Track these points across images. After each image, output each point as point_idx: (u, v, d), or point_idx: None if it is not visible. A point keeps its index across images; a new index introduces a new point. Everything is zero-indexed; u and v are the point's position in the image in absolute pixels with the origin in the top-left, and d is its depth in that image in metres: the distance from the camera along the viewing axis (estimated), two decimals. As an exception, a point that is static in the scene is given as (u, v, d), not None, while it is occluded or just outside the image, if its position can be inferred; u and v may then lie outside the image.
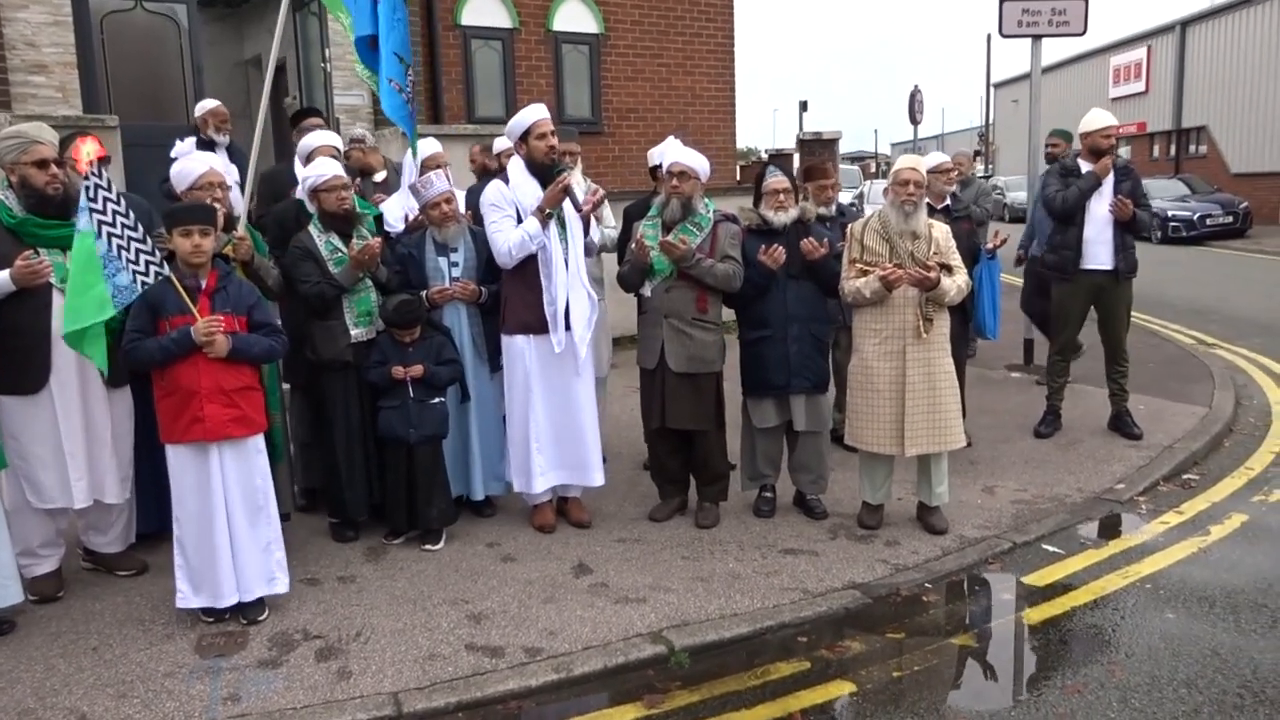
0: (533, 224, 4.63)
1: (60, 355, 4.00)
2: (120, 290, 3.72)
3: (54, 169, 3.99)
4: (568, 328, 4.72)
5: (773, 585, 4.33)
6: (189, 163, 4.50)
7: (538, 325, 4.73)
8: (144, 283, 3.77)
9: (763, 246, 4.74)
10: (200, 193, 4.44)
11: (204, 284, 3.92)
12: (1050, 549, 4.79)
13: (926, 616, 4.15)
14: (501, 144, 5.86)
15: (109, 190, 3.74)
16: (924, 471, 4.92)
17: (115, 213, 3.72)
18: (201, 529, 3.92)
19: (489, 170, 6.02)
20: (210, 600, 3.95)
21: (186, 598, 3.97)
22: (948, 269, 4.71)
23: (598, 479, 4.98)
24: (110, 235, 3.70)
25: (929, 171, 5.79)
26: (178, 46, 9.18)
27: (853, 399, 4.91)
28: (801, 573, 4.46)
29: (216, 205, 4.24)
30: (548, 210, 4.62)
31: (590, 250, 4.99)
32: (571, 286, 4.72)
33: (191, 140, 4.70)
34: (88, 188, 3.70)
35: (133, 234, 3.76)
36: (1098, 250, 6.18)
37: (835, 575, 4.44)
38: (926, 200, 5.32)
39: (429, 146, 5.62)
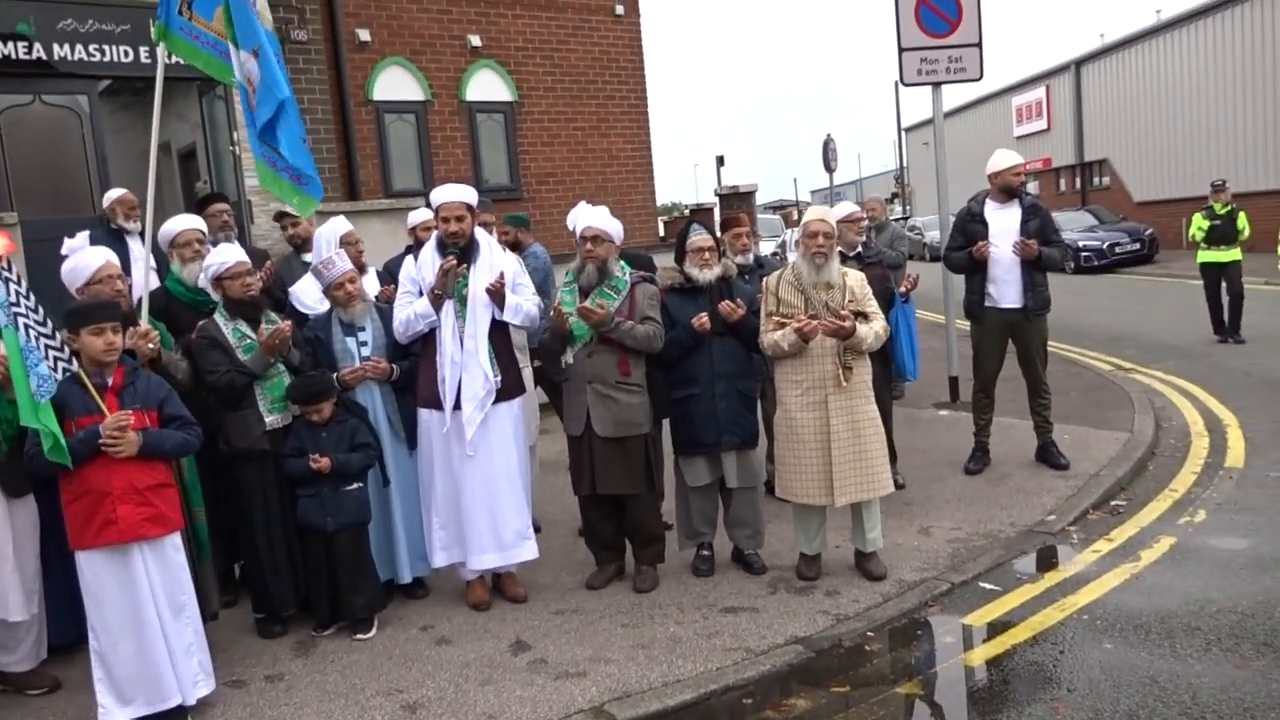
0: (422, 304, 4.66)
1: (-46, 469, 3.81)
2: (44, 380, 3.60)
3: None
4: (457, 406, 4.66)
5: (715, 646, 4.26)
6: (83, 257, 4.37)
7: (436, 400, 4.70)
8: (65, 370, 3.66)
9: (696, 318, 4.76)
10: (100, 287, 4.32)
11: (110, 381, 3.79)
12: (988, 586, 4.81)
13: (871, 666, 4.12)
14: (415, 218, 5.84)
15: (19, 285, 3.66)
16: (857, 519, 4.93)
17: (27, 307, 3.66)
18: (132, 634, 3.74)
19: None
20: (146, 707, 3.76)
21: (109, 713, 3.76)
22: (864, 316, 4.76)
23: (488, 562, 4.78)
24: (26, 327, 3.61)
25: (839, 221, 5.89)
26: (80, 137, 8.99)
27: (779, 451, 4.91)
28: (743, 631, 4.40)
29: (119, 299, 4.12)
30: (436, 292, 4.62)
31: (511, 321, 4.87)
32: (466, 366, 4.66)
33: (84, 235, 4.57)
34: (1, 281, 3.59)
35: (42, 329, 3.66)
36: (1006, 290, 6.34)
37: (777, 631, 4.39)
38: (839, 249, 5.41)
39: (340, 225, 5.54)
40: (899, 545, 5.27)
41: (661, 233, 14.92)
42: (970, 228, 6.42)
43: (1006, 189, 6.36)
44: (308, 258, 5.96)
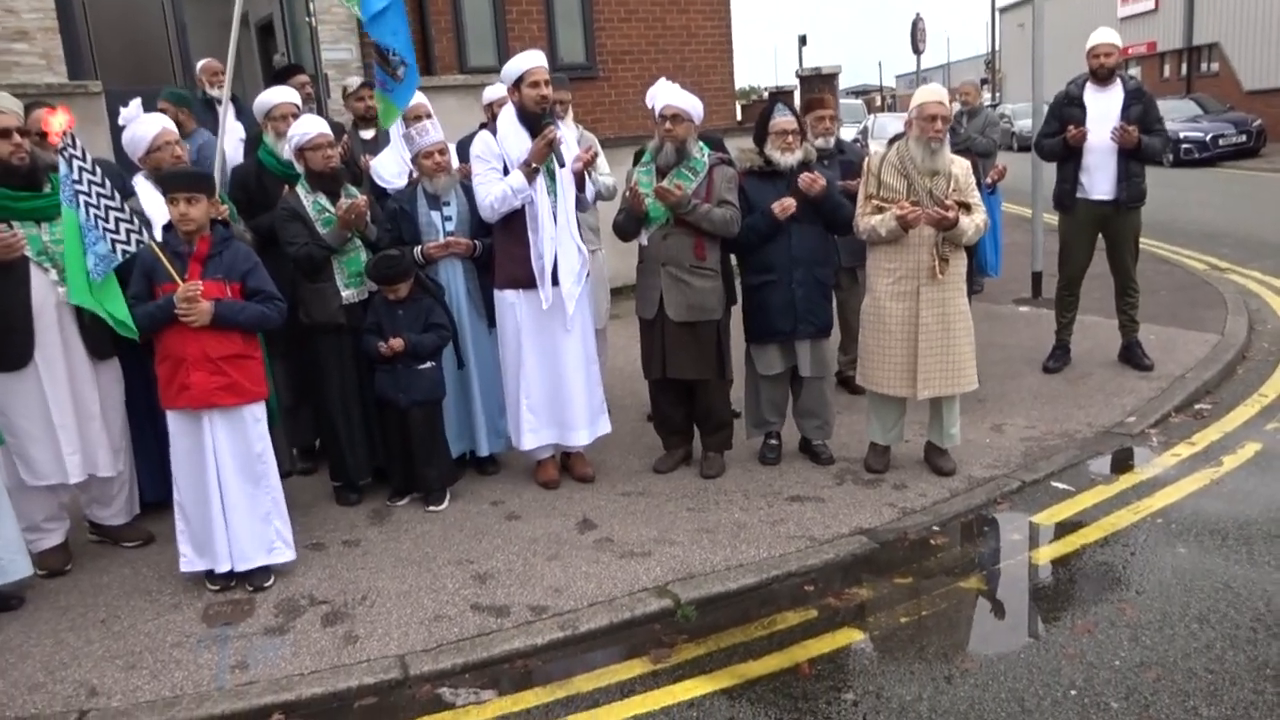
0: (517, 178, 4.52)
1: (43, 329, 3.95)
2: (101, 259, 3.69)
3: (17, 138, 3.88)
4: (555, 283, 4.64)
5: (779, 534, 4.29)
6: (139, 126, 4.42)
7: (526, 280, 4.65)
8: (124, 250, 3.73)
9: (778, 203, 4.64)
10: (159, 154, 4.38)
11: (194, 249, 3.86)
12: (1060, 486, 4.74)
13: (935, 560, 4.12)
14: (492, 93, 5.73)
15: (84, 159, 3.69)
16: (935, 414, 4.85)
17: (91, 182, 3.67)
18: (197, 495, 3.92)
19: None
20: (213, 563, 3.96)
21: (191, 561, 4.00)
22: (966, 207, 4.57)
23: (583, 439, 4.89)
24: (87, 205, 3.65)
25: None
26: (159, 6, 8.99)
27: (864, 339, 4.82)
28: (808, 520, 4.43)
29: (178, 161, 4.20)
30: (534, 165, 4.52)
31: (583, 205, 4.87)
32: (560, 241, 4.62)
33: (136, 103, 4.58)
34: (62, 158, 3.62)
35: (109, 201, 3.71)
36: (1099, 180, 6.03)
37: (842, 521, 4.40)
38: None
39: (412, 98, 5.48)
40: (970, 442, 5.20)
41: (739, 116, 14.54)
42: (1067, 111, 6.09)
43: (1098, 71, 6.00)
44: (366, 134, 5.94)
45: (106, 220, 3.68)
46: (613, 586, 3.89)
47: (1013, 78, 40.28)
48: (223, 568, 3.95)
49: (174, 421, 3.89)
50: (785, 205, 4.66)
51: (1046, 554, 4.11)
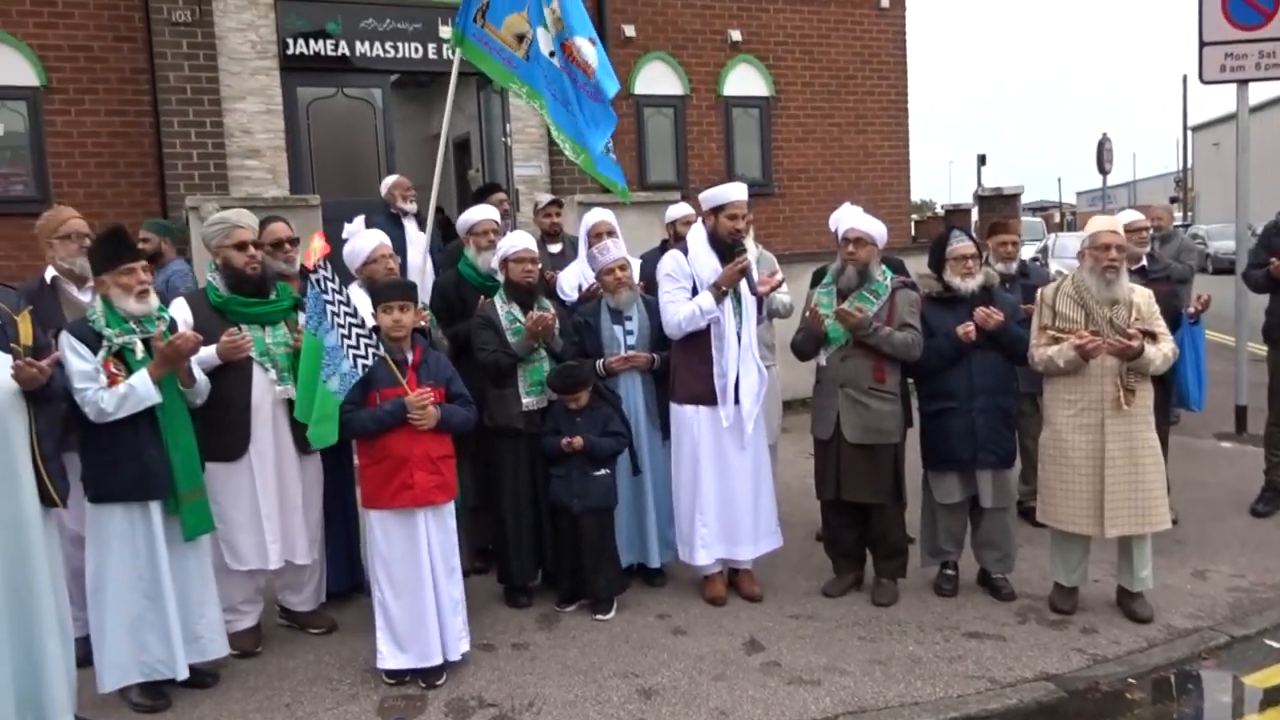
0: (707, 299, 4.64)
1: (259, 424, 4.27)
2: (345, 377, 3.97)
3: (252, 250, 4.31)
4: (736, 401, 4.69)
5: (956, 672, 4.09)
6: (360, 240, 4.85)
7: (706, 396, 4.72)
8: (364, 365, 3.99)
9: (961, 327, 4.61)
10: (374, 266, 4.76)
11: (410, 358, 4.13)
12: (1275, 645, 4.33)
13: (1130, 715, 3.82)
14: (675, 212, 5.93)
15: (334, 281, 3.99)
16: (1125, 553, 4.56)
17: (339, 302, 3.97)
18: (410, 592, 4.09)
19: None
20: (417, 660, 4.10)
21: (385, 659, 4.12)
22: (1151, 336, 4.39)
23: (749, 553, 4.89)
24: (337, 325, 3.95)
25: (1121, 230, 5.47)
26: (373, 126, 9.84)
27: (1045, 474, 4.62)
28: (988, 659, 4.20)
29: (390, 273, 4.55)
30: (724, 288, 4.63)
31: (761, 322, 4.95)
32: (743, 360, 4.70)
33: (360, 220, 5.01)
34: (316, 281, 3.97)
35: (353, 320, 3.99)
36: None
37: (1025, 664, 4.15)
38: (1123, 263, 5.03)
39: (595, 215, 5.72)
40: (1168, 587, 4.84)
41: (913, 232, 14.44)
42: (1277, 242, 5.79)
43: None
44: (554, 249, 6.22)
45: (350, 338, 3.97)
46: (780, 714, 3.78)
47: (1206, 196, 38.53)
48: (435, 661, 4.10)
49: (386, 520, 4.10)
50: (967, 330, 4.59)
51: (1261, 721, 3.75)
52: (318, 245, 3.99)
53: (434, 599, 4.09)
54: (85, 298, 4.31)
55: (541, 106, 5.40)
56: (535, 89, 5.36)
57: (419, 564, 4.07)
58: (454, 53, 5.58)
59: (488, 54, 5.44)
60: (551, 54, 5.23)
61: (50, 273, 4.40)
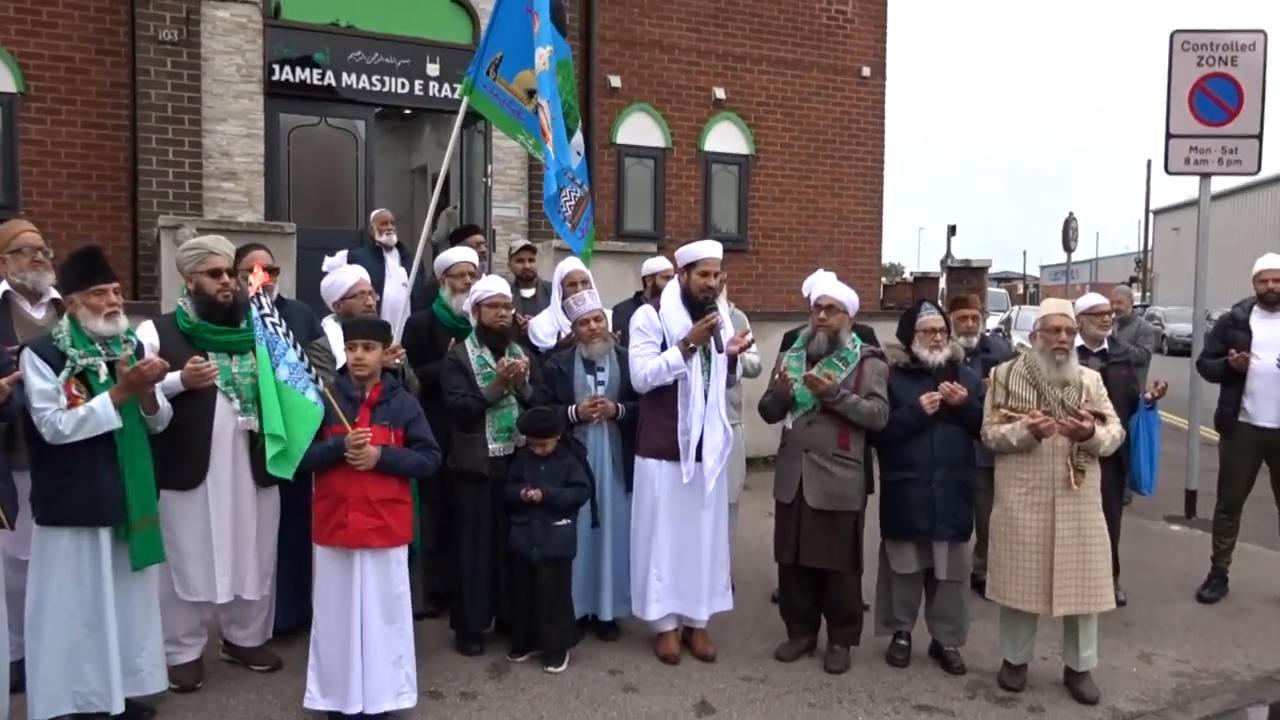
0: (674, 355, 4.67)
1: (218, 454, 4.21)
2: (318, 396, 3.97)
3: (226, 278, 4.27)
4: (699, 458, 4.70)
5: (905, 745, 4.08)
6: (340, 274, 4.86)
7: (670, 451, 4.74)
8: (325, 382, 3.99)
9: (926, 396, 4.68)
10: (353, 301, 4.75)
11: (365, 395, 4.10)
12: (1217, 733, 4.38)
13: (1074, 799, 3.83)
14: (653, 265, 5.98)
15: (272, 314, 4.01)
16: (1071, 633, 4.61)
17: (277, 328, 3.99)
18: (337, 632, 4.01)
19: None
20: (338, 704, 4.00)
21: (314, 699, 4.04)
22: (1100, 418, 4.49)
23: (704, 613, 4.88)
24: (288, 346, 3.96)
25: (1083, 314, 5.61)
26: (354, 157, 9.85)
27: (995, 551, 4.68)
28: (936, 734, 4.20)
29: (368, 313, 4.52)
30: (692, 345, 4.67)
31: (730, 382, 4.98)
32: (709, 418, 4.71)
33: (342, 255, 5.03)
34: (261, 309, 3.97)
35: (297, 342, 4.01)
36: (1265, 406, 5.82)
37: (973, 741, 4.16)
38: (1081, 344, 5.15)
39: (570, 263, 5.76)
40: (1115, 669, 4.89)
41: (880, 296, 14.63)
42: (1231, 334, 5.95)
43: (1266, 296, 5.86)
44: (526, 293, 6.25)
45: (304, 360, 3.99)
46: (727, 781, 3.75)
47: (1164, 279, 39.48)
48: (353, 709, 3.98)
49: (324, 557, 4.05)
50: (932, 399, 4.65)
51: (1201, 811, 3.77)
52: (258, 277, 4.01)
53: (359, 645, 3.98)
54: (39, 314, 4.24)
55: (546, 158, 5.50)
56: (541, 141, 5.46)
57: (349, 606, 3.98)
58: (462, 100, 5.67)
59: (496, 105, 5.56)
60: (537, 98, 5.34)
61: (2, 287, 4.29)
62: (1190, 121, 7.91)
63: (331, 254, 5.07)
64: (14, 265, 4.23)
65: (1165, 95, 7.99)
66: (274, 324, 3.97)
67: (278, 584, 4.69)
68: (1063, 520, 4.46)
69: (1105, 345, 5.80)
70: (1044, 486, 4.50)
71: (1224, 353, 5.92)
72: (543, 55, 5.14)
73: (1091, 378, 4.66)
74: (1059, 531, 4.45)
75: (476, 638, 4.92)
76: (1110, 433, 4.52)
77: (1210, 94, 7.85)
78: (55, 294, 4.25)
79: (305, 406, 3.96)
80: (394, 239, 7.11)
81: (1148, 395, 5.77)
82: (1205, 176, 8.10)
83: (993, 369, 4.85)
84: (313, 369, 4.01)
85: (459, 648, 4.91)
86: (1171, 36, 7.97)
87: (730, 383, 4.99)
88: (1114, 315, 7.05)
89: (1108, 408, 4.61)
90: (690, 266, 4.83)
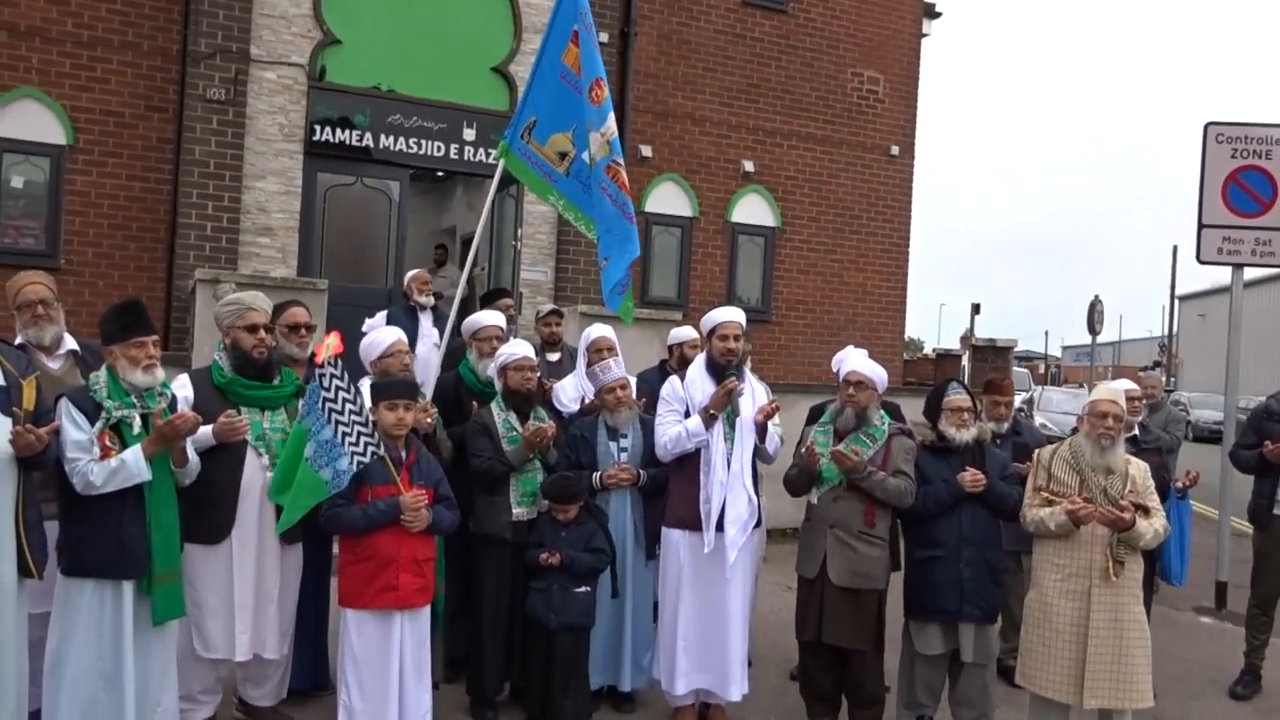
0: (694, 422, 4.68)
1: (245, 509, 4.22)
2: (339, 474, 3.94)
3: (262, 334, 4.32)
4: (720, 529, 4.66)
5: (928, 837, 3.96)
6: (379, 334, 4.91)
7: (693, 521, 4.71)
8: (360, 463, 3.97)
9: (970, 473, 4.64)
10: (390, 360, 4.78)
11: (405, 456, 4.11)
12: (1252, 838, 4.23)
13: None
14: (679, 334, 6.01)
15: (342, 380, 3.96)
16: (1104, 727, 4.49)
17: (345, 400, 3.94)
18: (377, 693, 3.99)
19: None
20: None
21: None
22: (1144, 510, 4.41)
23: (735, 693, 4.79)
24: (338, 423, 3.92)
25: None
26: (387, 217, 10.01)
27: (1028, 636, 4.58)
28: (960, 826, 4.07)
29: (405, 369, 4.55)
30: (712, 412, 4.67)
31: (765, 456, 4.96)
32: (731, 488, 4.69)
33: (382, 315, 5.08)
34: (322, 377, 3.94)
35: (357, 418, 3.98)
36: None
37: (998, 835, 4.03)
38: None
39: (597, 330, 5.77)
40: (1146, 765, 4.75)
41: (901, 371, 14.61)
42: (1266, 426, 5.88)
43: None
44: (552, 357, 6.27)
45: (352, 436, 3.94)
46: None
47: (1189, 365, 39.22)
48: None
49: (364, 620, 4.01)
50: (978, 476, 4.62)
51: None
52: (332, 342, 3.98)
53: (398, 706, 3.97)
54: (54, 365, 4.18)
55: (577, 219, 5.67)
56: (572, 203, 5.60)
57: (389, 668, 3.97)
58: (498, 163, 5.81)
59: (529, 167, 5.71)
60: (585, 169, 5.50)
61: (19, 339, 4.23)
62: (1223, 212, 7.92)
63: (370, 314, 5.15)
64: (19, 321, 4.20)
65: (1199, 186, 8.01)
66: (328, 400, 3.94)
67: (294, 644, 4.65)
68: (1098, 610, 4.36)
69: (1136, 431, 5.75)
70: (1080, 574, 4.41)
71: (1258, 444, 5.86)
72: (609, 128, 5.33)
73: (1139, 468, 4.56)
74: (1094, 621, 4.35)
75: (491, 704, 4.84)
76: (1153, 526, 4.40)
77: (1244, 186, 7.86)
78: (74, 345, 4.27)
79: (315, 483, 3.95)
80: (431, 300, 7.20)
81: (1179, 484, 5.69)
82: (1238, 267, 8.09)
83: (1036, 451, 4.80)
84: (360, 441, 3.98)
85: (473, 714, 4.83)
86: (1206, 128, 8.02)
87: (765, 457, 4.96)
88: (1145, 401, 7.01)
89: (1153, 500, 4.51)
90: (711, 333, 4.87)
